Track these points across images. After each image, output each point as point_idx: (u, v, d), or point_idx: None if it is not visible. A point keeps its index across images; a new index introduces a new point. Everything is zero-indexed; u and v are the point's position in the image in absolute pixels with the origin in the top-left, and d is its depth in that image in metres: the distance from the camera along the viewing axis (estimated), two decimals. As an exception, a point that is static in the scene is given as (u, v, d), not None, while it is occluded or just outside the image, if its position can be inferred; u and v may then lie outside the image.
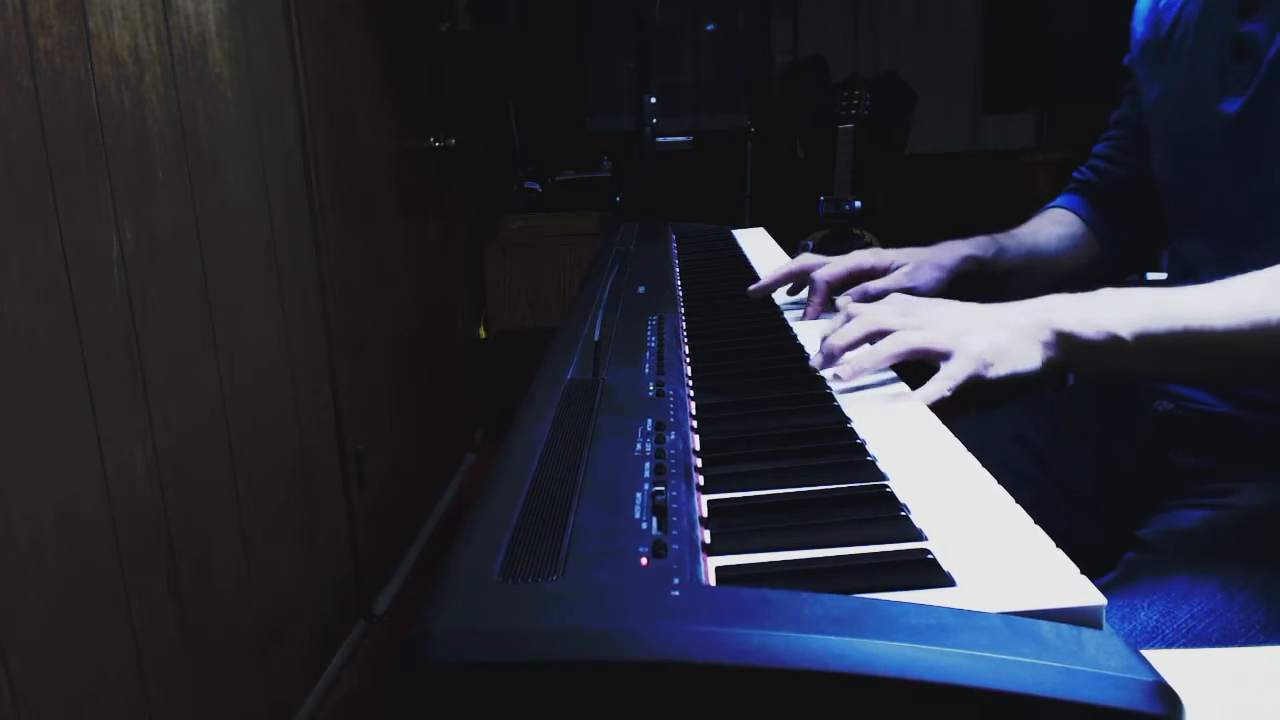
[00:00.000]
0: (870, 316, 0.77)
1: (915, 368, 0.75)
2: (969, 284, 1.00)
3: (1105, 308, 0.71)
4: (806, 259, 1.06)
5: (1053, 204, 1.14)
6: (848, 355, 0.76)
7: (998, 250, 1.04)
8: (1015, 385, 0.72)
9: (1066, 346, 0.71)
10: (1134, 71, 1.01)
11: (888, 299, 0.80)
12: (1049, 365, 0.71)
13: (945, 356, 0.71)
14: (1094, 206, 1.10)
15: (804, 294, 1.07)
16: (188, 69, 1.27)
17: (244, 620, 1.39)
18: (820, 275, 1.00)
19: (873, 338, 0.75)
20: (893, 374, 0.76)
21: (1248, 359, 0.69)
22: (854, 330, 0.76)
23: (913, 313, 0.76)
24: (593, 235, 2.99)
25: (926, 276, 0.98)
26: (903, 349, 0.73)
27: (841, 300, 0.97)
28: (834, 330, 0.78)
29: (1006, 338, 0.71)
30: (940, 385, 0.70)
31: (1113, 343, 0.70)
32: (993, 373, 0.71)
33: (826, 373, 0.76)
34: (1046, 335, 0.71)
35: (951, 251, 1.01)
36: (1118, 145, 1.08)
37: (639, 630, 0.37)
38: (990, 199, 3.62)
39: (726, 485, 0.55)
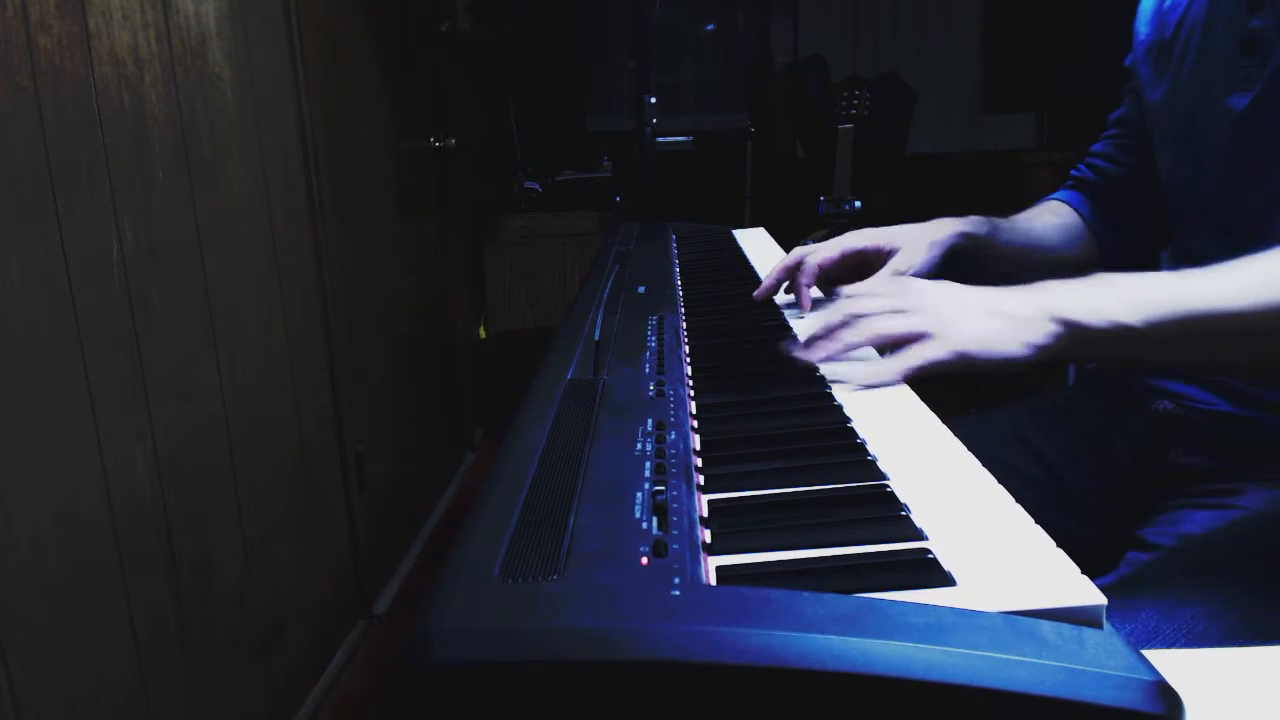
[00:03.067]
0: (853, 304, 0.76)
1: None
2: (962, 261, 0.99)
3: (1110, 294, 0.69)
4: (799, 252, 1.05)
5: (1051, 196, 1.14)
6: (826, 342, 0.76)
7: (992, 229, 1.02)
8: (1006, 376, 0.69)
9: (1072, 336, 0.68)
10: (1136, 72, 1.01)
11: (884, 284, 0.78)
12: (1044, 355, 0.69)
13: (925, 340, 0.70)
14: (1092, 204, 1.10)
15: None
16: (188, 69, 1.27)
17: (244, 620, 1.39)
18: (812, 260, 0.99)
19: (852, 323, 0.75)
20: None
21: (1260, 340, 0.67)
22: (832, 318, 0.76)
23: (900, 295, 0.75)
24: (593, 235, 2.99)
25: (921, 257, 0.96)
26: (872, 336, 0.73)
27: (845, 289, 0.94)
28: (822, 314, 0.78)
29: (998, 325, 0.69)
30: (908, 360, 0.70)
31: (1121, 331, 0.67)
32: (974, 359, 0.68)
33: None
34: (1049, 325, 0.68)
35: (945, 227, 0.99)
36: (1117, 144, 1.08)
37: (640, 630, 0.37)
38: (990, 199, 3.59)
39: (727, 485, 0.55)
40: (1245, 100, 0.83)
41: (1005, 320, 0.69)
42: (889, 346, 0.73)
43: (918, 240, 0.97)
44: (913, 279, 0.77)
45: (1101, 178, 1.10)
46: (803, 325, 0.95)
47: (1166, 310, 0.67)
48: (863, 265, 0.98)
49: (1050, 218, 1.10)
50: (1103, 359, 0.72)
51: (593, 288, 1.04)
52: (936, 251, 0.97)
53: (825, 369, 0.75)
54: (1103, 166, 1.09)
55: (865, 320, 0.74)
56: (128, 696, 1.10)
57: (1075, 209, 1.10)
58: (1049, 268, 1.07)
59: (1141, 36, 1.00)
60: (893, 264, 0.96)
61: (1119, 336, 0.67)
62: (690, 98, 3.78)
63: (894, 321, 0.72)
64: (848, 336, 0.74)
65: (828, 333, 0.76)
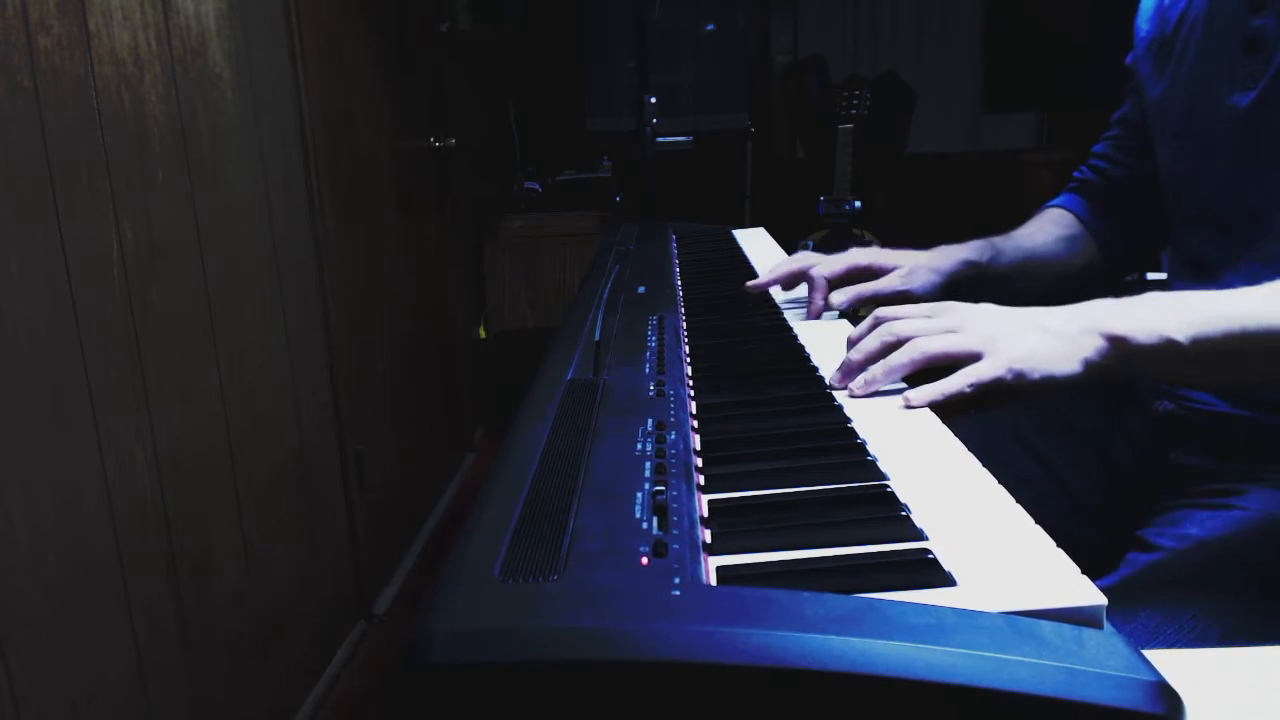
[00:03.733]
0: (890, 326, 0.72)
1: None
2: (966, 288, 1.00)
3: (1157, 311, 0.68)
4: (803, 258, 1.05)
5: (1051, 204, 1.14)
6: (868, 370, 0.72)
7: (994, 254, 1.04)
8: (1049, 391, 0.68)
9: (1118, 352, 0.67)
10: (1137, 70, 1.01)
11: (923, 305, 0.75)
12: (1092, 372, 0.67)
13: (974, 359, 0.68)
14: (1092, 207, 1.10)
15: (801, 291, 1.07)
16: (188, 69, 1.27)
17: (244, 620, 1.39)
18: (819, 272, 1.00)
19: (891, 349, 0.71)
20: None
21: None
22: (871, 343, 0.72)
23: (943, 314, 0.72)
24: (593, 235, 2.99)
25: (923, 280, 0.98)
26: (918, 356, 0.69)
27: (880, 312, 0.84)
28: (856, 336, 0.75)
29: (1046, 342, 0.68)
30: (959, 381, 0.67)
31: (1168, 347, 0.66)
32: (1027, 378, 0.66)
33: (841, 393, 0.72)
34: (1095, 341, 0.67)
35: (948, 256, 1.01)
36: (1118, 145, 1.08)
37: (640, 630, 0.37)
38: (990, 199, 3.62)
39: (727, 485, 0.55)
40: (1248, 99, 0.83)
41: (1055, 337, 0.68)
42: (924, 372, 0.70)
43: (921, 265, 0.99)
44: (953, 302, 0.74)
45: (1102, 178, 1.10)
46: (804, 327, 0.95)
47: (1213, 326, 0.66)
48: (863, 278, 1.00)
49: (1051, 228, 1.10)
50: (1146, 376, 0.71)
51: (593, 288, 1.04)
52: (938, 278, 0.99)
53: (876, 385, 0.71)
54: (1103, 167, 1.10)
55: (915, 341, 0.70)
56: (128, 696, 1.10)
57: (1075, 214, 1.11)
58: (1053, 279, 1.08)
59: (1142, 33, 1.00)
60: (893, 276, 0.98)
61: (1164, 352, 0.67)
62: (690, 98, 3.78)
63: (945, 340, 0.69)
64: (896, 359, 0.70)
65: (867, 357, 0.72)
